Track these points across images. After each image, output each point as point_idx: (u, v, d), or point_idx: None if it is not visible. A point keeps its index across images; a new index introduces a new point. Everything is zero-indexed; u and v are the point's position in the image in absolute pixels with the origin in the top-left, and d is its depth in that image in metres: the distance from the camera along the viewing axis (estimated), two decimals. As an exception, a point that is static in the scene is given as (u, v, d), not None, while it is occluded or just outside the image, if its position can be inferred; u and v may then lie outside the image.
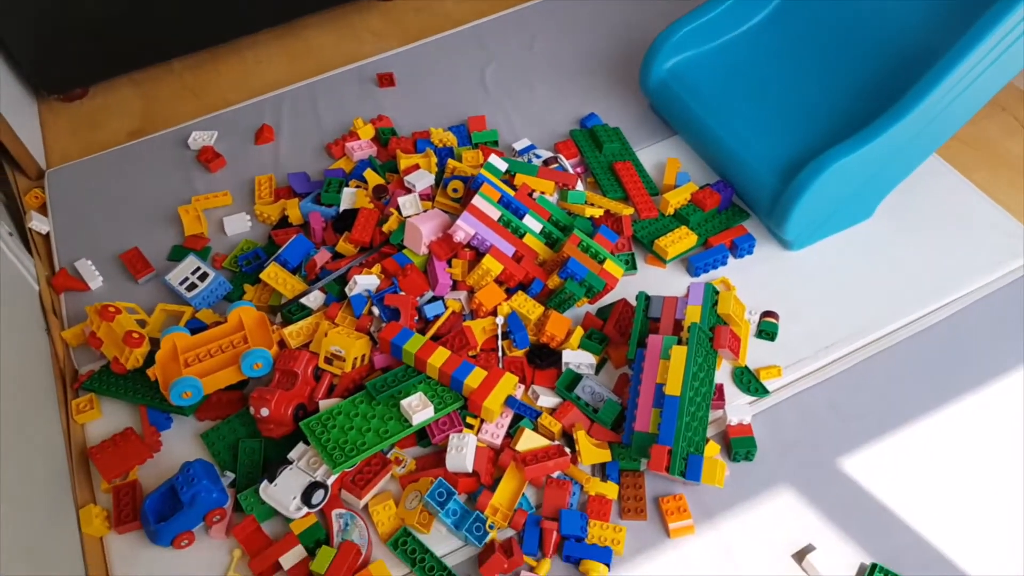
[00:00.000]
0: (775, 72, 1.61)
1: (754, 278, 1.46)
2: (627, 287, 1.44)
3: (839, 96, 1.51)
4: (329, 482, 1.18)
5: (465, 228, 1.37)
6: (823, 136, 1.46)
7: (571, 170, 1.59)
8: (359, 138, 1.69)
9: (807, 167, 1.37)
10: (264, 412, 1.21)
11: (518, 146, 1.68)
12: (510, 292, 1.38)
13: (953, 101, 1.34)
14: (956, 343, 1.37)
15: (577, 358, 1.31)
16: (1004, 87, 1.39)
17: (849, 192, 1.42)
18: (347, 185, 1.55)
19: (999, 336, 1.37)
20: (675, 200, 1.53)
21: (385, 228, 1.44)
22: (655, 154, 1.69)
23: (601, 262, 1.39)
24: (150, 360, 1.31)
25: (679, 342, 1.23)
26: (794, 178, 1.39)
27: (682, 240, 1.47)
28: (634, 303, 1.38)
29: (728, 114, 1.57)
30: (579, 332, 1.34)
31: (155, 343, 1.33)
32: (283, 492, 1.17)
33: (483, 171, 1.46)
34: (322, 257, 1.42)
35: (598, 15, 2.02)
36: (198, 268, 1.46)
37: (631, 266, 1.47)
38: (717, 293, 1.31)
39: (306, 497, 1.16)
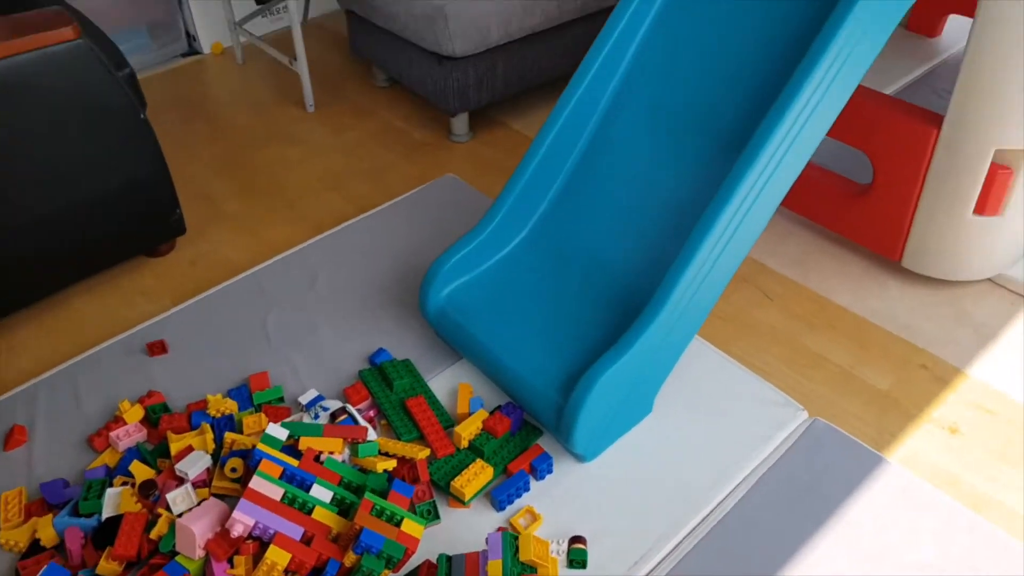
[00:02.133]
0: (541, 289, 1.70)
1: (559, 499, 1.46)
2: (433, 540, 1.38)
3: (599, 306, 1.61)
4: None
5: (243, 520, 1.26)
6: (592, 344, 1.54)
7: (361, 420, 1.55)
8: (126, 423, 1.56)
9: (578, 383, 1.42)
10: None
11: (304, 399, 1.63)
12: (305, 577, 1.28)
13: (695, 294, 1.46)
14: (752, 527, 1.41)
15: (385, 641, 1.20)
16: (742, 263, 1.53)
17: (624, 395, 1.48)
18: (111, 484, 1.41)
19: (788, 508, 1.43)
20: (467, 432, 1.52)
21: (153, 534, 1.30)
22: (448, 380, 1.70)
23: (398, 523, 1.32)
24: None
25: (484, 607, 1.17)
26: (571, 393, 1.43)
27: (478, 476, 1.45)
28: (437, 563, 1.31)
29: (505, 335, 1.62)
30: (384, 609, 1.24)
31: None
32: None
33: (260, 446, 1.38)
34: (79, 586, 1.25)
35: (380, 246, 2.08)
36: (-74, 626, 1.24)
37: (434, 516, 1.42)
38: (516, 538, 1.28)
39: None
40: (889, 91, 2.57)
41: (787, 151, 1.43)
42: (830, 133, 1.91)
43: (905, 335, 1.85)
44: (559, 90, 1.76)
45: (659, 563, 1.36)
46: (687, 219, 1.57)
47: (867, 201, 1.94)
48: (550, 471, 1.50)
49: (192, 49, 3.20)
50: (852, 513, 1.42)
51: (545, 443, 1.55)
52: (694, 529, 1.42)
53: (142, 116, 1.90)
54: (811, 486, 1.47)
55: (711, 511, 1.45)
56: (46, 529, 1.35)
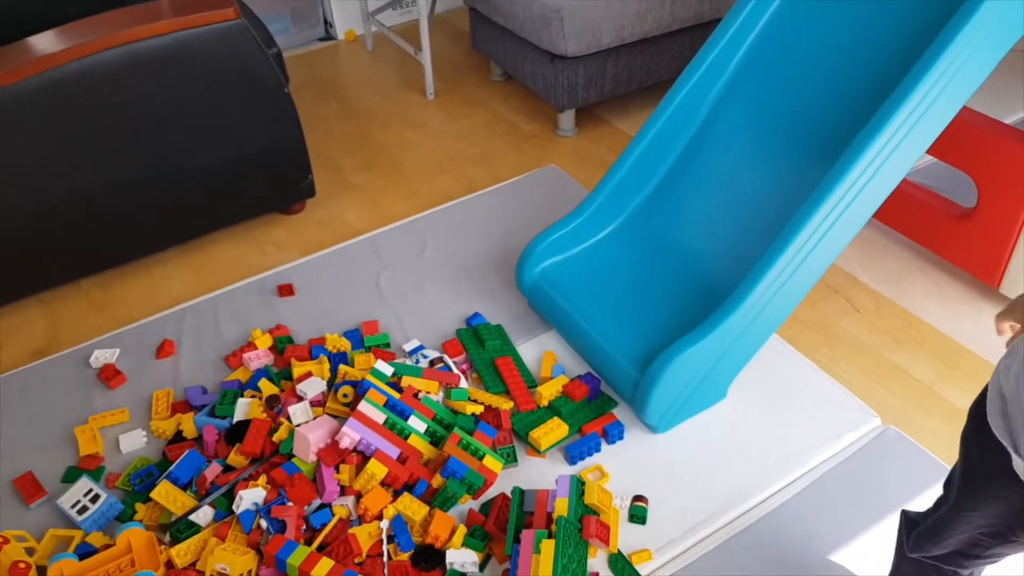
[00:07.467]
0: (630, 272, 1.83)
1: (626, 462, 1.59)
2: (510, 479, 1.54)
3: (684, 294, 1.73)
4: None
5: (350, 434, 1.46)
6: (673, 328, 1.66)
7: (455, 369, 1.73)
8: (256, 348, 1.80)
9: (656, 359, 1.54)
10: (145, 641, 1.21)
11: (408, 347, 1.82)
12: (397, 493, 1.46)
13: (776, 293, 1.55)
14: (809, 516, 1.49)
15: (460, 557, 1.37)
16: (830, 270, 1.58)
17: (698, 378, 1.59)
18: (242, 395, 1.64)
19: (848, 505, 1.51)
20: (548, 393, 1.67)
21: (275, 438, 1.52)
22: (534, 348, 1.86)
23: (481, 458, 1.49)
24: (35, 591, 1.31)
25: (549, 535, 1.31)
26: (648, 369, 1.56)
27: (554, 431, 1.59)
28: (511, 494, 1.47)
29: (592, 311, 1.76)
30: (462, 530, 1.41)
31: (44, 571, 1.33)
32: None
33: (369, 377, 1.58)
34: (213, 471, 1.48)
35: (484, 223, 2.26)
36: (90, 490, 1.49)
37: (512, 459, 1.58)
38: (583, 484, 1.42)
39: None
40: (1010, 120, 2.54)
41: (883, 163, 1.48)
42: (938, 153, 1.96)
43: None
44: (665, 93, 1.88)
45: (713, 533, 1.47)
46: (776, 221, 1.65)
47: (969, 225, 1.95)
48: (621, 437, 1.64)
49: (328, 35, 3.50)
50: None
51: (620, 414, 1.68)
52: (752, 509, 1.51)
53: (286, 90, 2.14)
54: (874, 490, 1.53)
55: (770, 496, 1.54)
56: (188, 424, 1.60)
